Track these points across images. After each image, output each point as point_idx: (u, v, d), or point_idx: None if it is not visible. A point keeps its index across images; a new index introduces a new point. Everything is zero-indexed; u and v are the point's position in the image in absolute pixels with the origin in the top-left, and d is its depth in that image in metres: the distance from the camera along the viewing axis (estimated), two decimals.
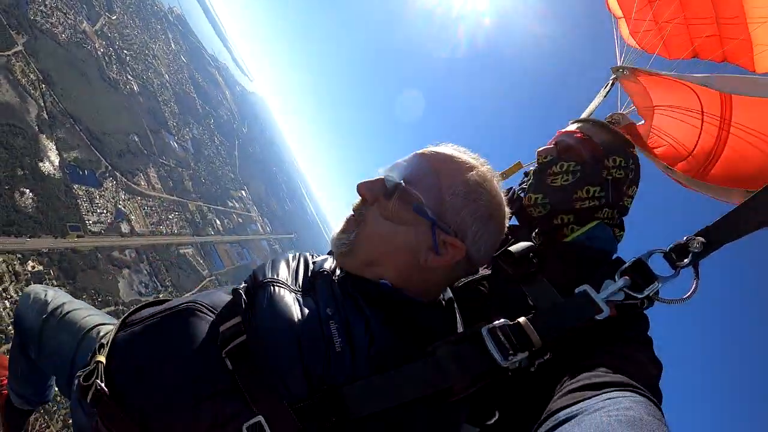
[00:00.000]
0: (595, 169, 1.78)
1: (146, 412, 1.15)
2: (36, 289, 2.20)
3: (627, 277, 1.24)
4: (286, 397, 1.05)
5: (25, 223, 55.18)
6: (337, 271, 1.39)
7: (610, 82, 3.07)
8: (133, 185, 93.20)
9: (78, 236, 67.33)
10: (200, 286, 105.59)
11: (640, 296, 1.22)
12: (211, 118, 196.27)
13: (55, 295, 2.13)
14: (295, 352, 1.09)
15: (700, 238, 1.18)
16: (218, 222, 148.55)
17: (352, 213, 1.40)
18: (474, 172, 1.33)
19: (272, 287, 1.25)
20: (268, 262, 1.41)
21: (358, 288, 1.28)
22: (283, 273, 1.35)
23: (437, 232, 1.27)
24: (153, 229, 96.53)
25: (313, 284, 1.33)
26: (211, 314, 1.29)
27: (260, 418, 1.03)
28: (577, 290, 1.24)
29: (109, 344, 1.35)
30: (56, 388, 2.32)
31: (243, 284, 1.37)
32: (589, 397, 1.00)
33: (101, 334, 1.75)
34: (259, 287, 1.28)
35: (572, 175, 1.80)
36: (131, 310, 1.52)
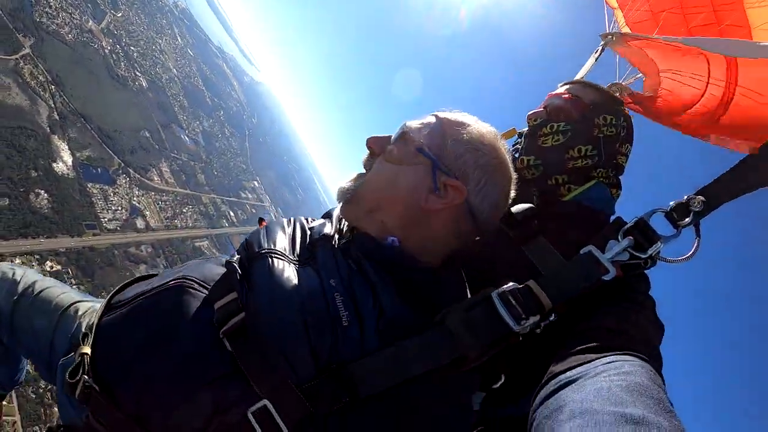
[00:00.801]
0: (585, 128, 1.77)
1: (141, 405, 1.07)
2: (2, 268, 1.94)
3: (631, 237, 1.22)
4: (292, 378, 0.99)
5: (41, 224, 56.17)
6: (336, 237, 1.31)
7: (600, 48, 2.99)
8: (146, 181, 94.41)
9: (94, 234, 68.51)
10: None
11: (643, 256, 1.21)
12: (220, 110, 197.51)
13: (24, 273, 1.90)
14: (300, 330, 1.01)
15: (701, 197, 1.18)
16: (232, 213, 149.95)
17: (364, 169, 1.38)
18: (476, 127, 1.32)
19: (270, 258, 1.15)
20: (263, 230, 1.30)
21: (363, 249, 1.21)
22: (281, 242, 1.24)
23: (438, 174, 1.24)
24: (168, 223, 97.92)
25: (312, 252, 1.23)
26: (203, 290, 1.19)
27: (265, 401, 0.97)
28: (582, 251, 1.23)
29: (93, 331, 1.24)
30: (30, 369, 2.31)
31: (236, 255, 1.24)
32: (590, 361, 0.99)
33: (80, 312, 1.62)
34: (255, 259, 1.17)
35: (563, 135, 1.78)
36: (116, 288, 1.39)
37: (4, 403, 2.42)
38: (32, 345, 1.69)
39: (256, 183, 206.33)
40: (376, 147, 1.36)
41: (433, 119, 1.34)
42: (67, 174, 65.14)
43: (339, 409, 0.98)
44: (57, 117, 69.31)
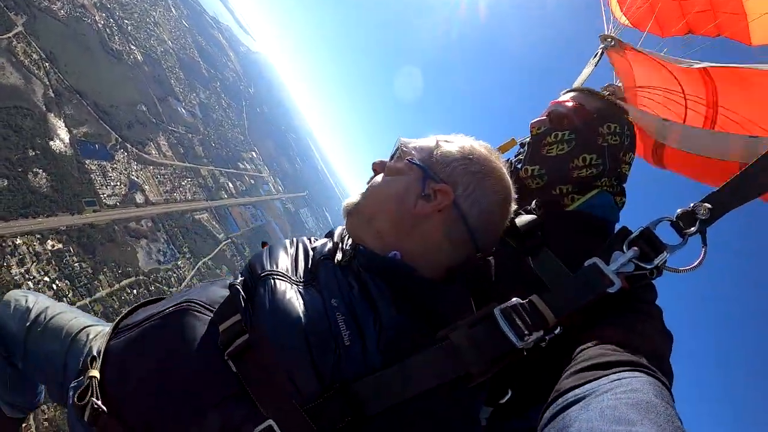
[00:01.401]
0: (590, 137, 1.76)
1: (150, 427, 1.11)
2: (15, 295, 2.08)
3: (636, 248, 1.23)
4: (296, 399, 1.01)
5: (41, 203, 56.27)
6: (339, 255, 1.35)
7: (599, 51, 3.07)
8: (144, 155, 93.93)
9: (94, 211, 68.64)
10: (217, 249, 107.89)
11: (649, 266, 1.21)
12: (217, 81, 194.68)
13: (37, 300, 2.02)
14: (303, 350, 1.03)
15: (707, 205, 1.18)
16: (231, 185, 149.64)
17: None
18: (469, 141, 1.43)
19: (272, 280, 1.19)
20: (265, 252, 1.36)
21: (364, 262, 1.25)
22: (283, 263, 1.29)
23: (427, 181, 1.32)
24: (167, 197, 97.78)
25: (315, 273, 1.28)
26: (208, 312, 1.24)
27: (271, 422, 0.99)
28: (586, 263, 1.23)
29: (102, 354, 1.30)
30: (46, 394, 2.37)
31: (240, 277, 1.31)
32: (598, 378, 0.98)
33: (90, 336, 1.72)
34: (258, 280, 1.21)
35: (567, 144, 1.78)
36: (123, 313, 1.50)
37: (24, 425, 2.62)
38: (45, 369, 1.79)
39: (254, 154, 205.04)
40: (379, 168, 1.47)
41: (427, 137, 1.45)
42: (65, 152, 64.98)
43: (344, 428, 0.98)
44: (52, 94, 68.70)
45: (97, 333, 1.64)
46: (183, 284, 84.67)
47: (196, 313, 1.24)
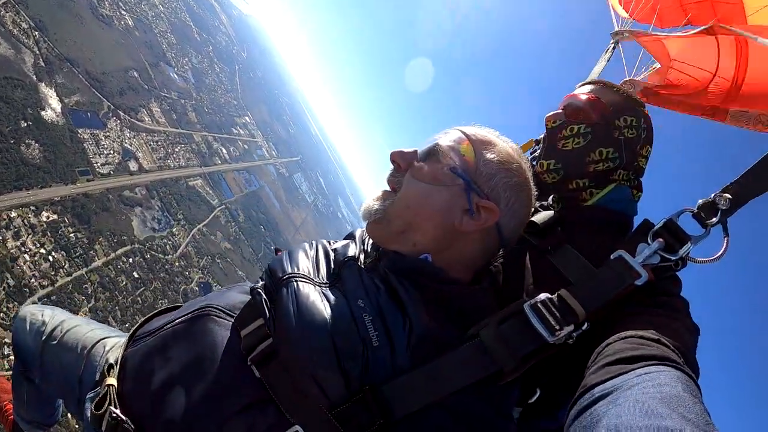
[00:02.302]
0: (606, 130, 1.71)
1: None
2: (31, 309, 2.05)
3: (661, 239, 1.22)
4: (323, 403, 0.98)
5: (34, 175, 56.12)
6: (362, 257, 1.34)
7: (611, 46, 3.10)
8: (137, 122, 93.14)
9: (88, 180, 68.49)
10: (211, 215, 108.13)
11: (674, 258, 1.20)
12: (209, 45, 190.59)
13: (53, 314, 1.99)
14: (330, 353, 1.00)
15: (727, 195, 1.17)
16: (224, 150, 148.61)
17: (389, 185, 1.38)
18: (505, 146, 1.36)
19: (295, 283, 1.16)
20: (285, 254, 1.34)
21: (392, 265, 1.22)
22: (304, 265, 1.26)
23: (471, 195, 1.25)
24: (161, 164, 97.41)
25: (338, 274, 1.25)
26: (228, 318, 1.22)
27: (298, 428, 0.97)
28: (612, 256, 1.22)
29: (119, 363, 1.28)
30: (64, 408, 2.33)
31: (260, 282, 1.30)
32: (625, 372, 0.95)
33: (107, 348, 1.66)
34: (280, 284, 1.18)
35: (583, 137, 1.72)
36: (140, 322, 1.47)
37: None
38: (62, 382, 1.74)
39: (247, 119, 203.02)
40: (403, 162, 1.35)
41: (460, 135, 1.36)
42: (57, 121, 64.43)
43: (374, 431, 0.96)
44: (43, 64, 67.57)
45: (114, 344, 1.62)
46: (178, 251, 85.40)
47: (216, 318, 1.22)
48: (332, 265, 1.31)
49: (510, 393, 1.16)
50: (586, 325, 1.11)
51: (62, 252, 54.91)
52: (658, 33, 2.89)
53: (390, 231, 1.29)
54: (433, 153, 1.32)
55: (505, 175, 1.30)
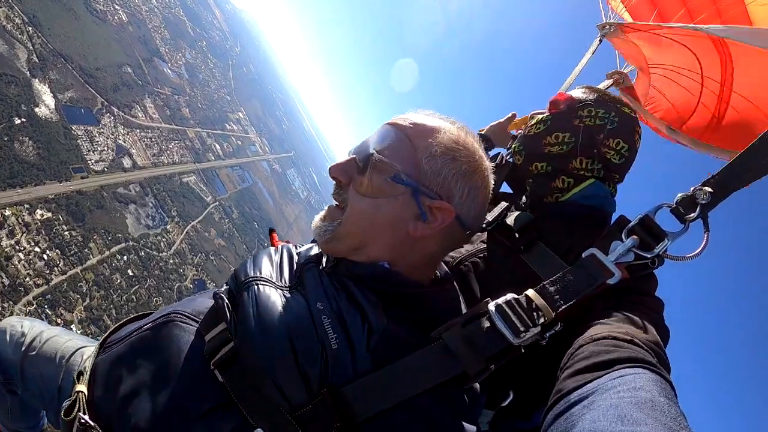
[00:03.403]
0: (566, 118, 1.75)
1: None
2: (11, 321, 2.05)
3: (635, 237, 1.19)
4: (285, 406, 0.98)
5: (28, 172, 55.79)
6: (324, 260, 1.31)
7: (597, 39, 3.01)
8: (130, 118, 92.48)
9: (82, 177, 68.07)
10: (205, 212, 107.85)
11: (649, 255, 1.18)
12: (203, 40, 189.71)
13: (32, 325, 1.99)
14: (289, 357, 1.00)
15: (707, 188, 1.14)
16: (218, 146, 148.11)
17: (334, 202, 1.32)
18: (447, 131, 1.25)
19: (256, 286, 1.16)
20: (249, 259, 1.33)
21: (350, 273, 1.20)
22: (266, 269, 1.26)
23: (421, 198, 1.18)
24: (155, 160, 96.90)
25: (300, 278, 1.24)
26: (194, 323, 1.22)
27: (260, 431, 0.98)
28: (584, 254, 1.20)
29: (88, 370, 1.29)
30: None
31: (225, 286, 1.28)
32: (600, 377, 0.93)
33: (84, 357, 1.66)
34: (241, 288, 1.18)
35: (544, 123, 1.80)
36: (111, 329, 1.47)
37: None
38: (43, 392, 1.75)
39: (241, 114, 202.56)
40: (343, 177, 1.27)
41: (395, 133, 1.25)
42: (51, 118, 63.86)
43: None
44: (37, 59, 66.88)
45: (91, 353, 1.53)
46: (173, 248, 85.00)
47: (181, 323, 1.22)
48: (295, 269, 1.29)
49: (475, 398, 1.14)
50: (558, 326, 1.10)
51: (57, 250, 54.48)
52: (647, 24, 2.78)
53: (344, 248, 1.24)
54: (371, 163, 1.21)
55: (453, 166, 1.21)
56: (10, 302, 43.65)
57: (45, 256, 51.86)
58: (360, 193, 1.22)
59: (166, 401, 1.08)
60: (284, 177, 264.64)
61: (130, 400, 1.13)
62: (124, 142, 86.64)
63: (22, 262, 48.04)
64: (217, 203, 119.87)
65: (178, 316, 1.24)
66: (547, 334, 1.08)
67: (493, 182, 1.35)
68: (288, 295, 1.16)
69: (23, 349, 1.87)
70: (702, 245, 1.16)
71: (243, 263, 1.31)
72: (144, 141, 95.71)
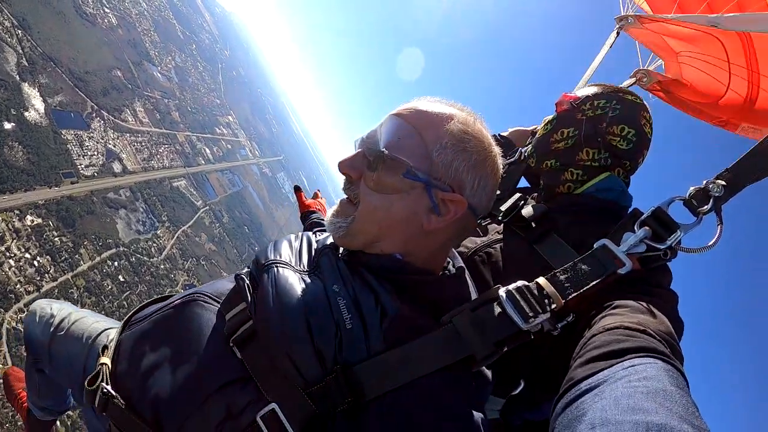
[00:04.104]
0: (570, 115, 1.80)
1: (158, 413, 1.13)
2: (41, 304, 2.14)
3: (647, 228, 1.20)
4: (299, 383, 1.02)
5: (18, 178, 55.23)
6: (341, 248, 1.35)
7: (615, 32, 3.00)
8: (120, 122, 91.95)
9: (72, 182, 67.46)
10: (196, 217, 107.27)
11: (662, 247, 1.18)
12: (193, 43, 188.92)
13: (61, 307, 2.07)
14: (305, 334, 1.03)
15: (721, 181, 1.14)
16: (208, 151, 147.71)
17: (345, 196, 1.33)
18: (456, 120, 1.23)
19: (275, 268, 1.20)
20: (270, 244, 1.37)
21: (363, 263, 1.23)
22: (286, 253, 1.30)
23: (433, 192, 1.19)
24: (145, 165, 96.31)
25: (317, 263, 1.27)
26: (215, 303, 1.27)
27: (274, 405, 1.01)
28: (596, 244, 1.21)
29: (113, 345, 1.35)
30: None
31: (245, 269, 1.34)
32: (611, 366, 0.95)
33: (110, 337, 1.63)
34: (262, 270, 1.22)
35: (551, 124, 1.86)
36: (136, 308, 1.53)
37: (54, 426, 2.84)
38: (69, 371, 1.81)
39: (230, 118, 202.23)
40: (354, 173, 1.27)
41: (404, 126, 1.24)
42: (41, 122, 63.20)
43: (345, 411, 0.99)
44: (26, 63, 66.22)
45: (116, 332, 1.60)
46: (163, 254, 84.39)
47: (203, 303, 1.26)
48: (313, 254, 1.33)
49: (482, 383, 1.15)
50: (571, 316, 1.12)
51: (47, 256, 53.87)
52: (662, 16, 2.72)
53: (358, 243, 1.27)
54: (383, 160, 1.20)
55: (464, 157, 1.21)
56: (1, 309, 43.24)
57: (35, 263, 51.24)
58: (372, 190, 1.22)
59: (186, 375, 1.12)
60: (274, 181, 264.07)
61: (152, 373, 1.18)
62: (114, 146, 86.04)
63: (13, 268, 47.57)
64: (208, 208, 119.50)
65: (201, 296, 1.29)
66: (559, 325, 1.10)
67: (502, 167, 1.34)
68: (306, 278, 1.18)
69: (51, 329, 1.93)
70: (715, 237, 1.17)
71: (264, 248, 1.34)
72: (134, 145, 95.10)
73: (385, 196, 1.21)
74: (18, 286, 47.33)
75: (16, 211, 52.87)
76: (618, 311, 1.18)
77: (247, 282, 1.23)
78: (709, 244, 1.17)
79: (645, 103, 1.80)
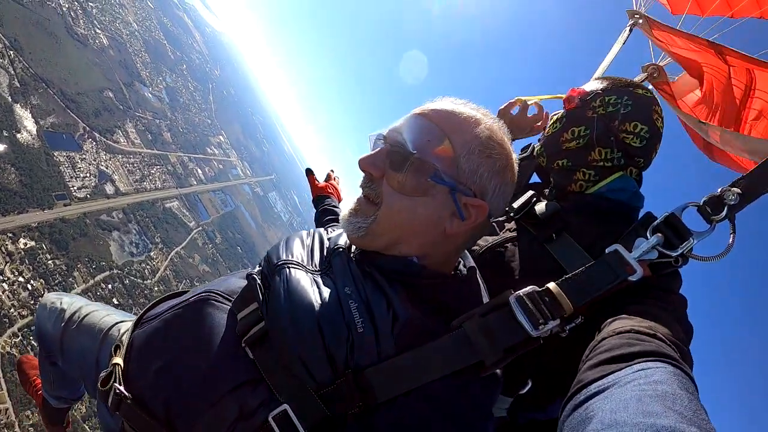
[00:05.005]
0: (580, 113, 1.75)
1: (170, 412, 1.14)
2: (51, 297, 2.13)
3: (660, 234, 1.20)
4: (310, 384, 1.02)
5: (11, 200, 55.02)
6: (353, 247, 1.33)
7: (627, 28, 2.95)
8: (112, 143, 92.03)
9: (65, 204, 67.12)
10: (189, 238, 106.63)
11: (674, 254, 1.18)
12: (183, 63, 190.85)
13: (71, 301, 2.05)
14: (317, 337, 1.04)
15: (736, 189, 1.14)
16: (200, 171, 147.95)
17: (363, 194, 1.28)
18: (482, 126, 1.22)
19: (288, 269, 1.19)
20: (282, 242, 1.36)
21: (376, 265, 1.22)
22: (298, 252, 1.29)
23: (458, 197, 1.18)
24: (137, 186, 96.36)
25: (329, 263, 1.27)
26: (227, 302, 1.26)
27: (286, 406, 1.01)
28: (607, 250, 1.20)
29: (125, 344, 1.34)
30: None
31: (257, 268, 1.33)
32: (620, 369, 0.95)
33: (121, 331, 1.68)
34: (274, 270, 1.21)
35: (560, 122, 1.81)
36: (147, 306, 1.51)
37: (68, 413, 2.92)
38: (81, 364, 1.80)
39: (221, 138, 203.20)
40: (376, 172, 1.22)
41: (432, 128, 1.21)
42: (33, 144, 63.09)
43: (356, 413, 1.00)
44: (18, 84, 66.19)
45: (128, 328, 1.55)
46: (157, 275, 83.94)
47: (215, 302, 1.25)
48: (325, 254, 1.32)
49: (491, 387, 1.14)
50: (580, 318, 1.12)
51: (41, 280, 53.39)
52: (672, 27, 2.62)
53: (377, 244, 1.24)
54: (410, 162, 1.18)
55: (489, 163, 1.20)
56: None
57: (29, 286, 50.76)
58: (396, 191, 1.20)
59: (199, 375, 1.13)
60: (266, 200, 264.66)
61: (164, 373, 1.19)
62: (107, 168, 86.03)
63: (6, 292, 47.17)
64: (201, 228, 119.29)
65: (213, 295, 1.27)
66: (568, 327, 1.10)
67: (517, 169, 1.34)
68: (318, 279, 1.18)
69: (63, 324, 1.94)
70: (727, 246, 1.17)
71: (276, 246, 1.35)
72: (126, 167, 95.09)
73: (410, 198, 1.19)
74: (12, 310, 46.89)
75: (9, 234, 52.55)
76: (628, 315, 1.20)
77: (259, 282, 1.22)
78: (721, 252, 1.17)
79: (655, 96, 1.75)
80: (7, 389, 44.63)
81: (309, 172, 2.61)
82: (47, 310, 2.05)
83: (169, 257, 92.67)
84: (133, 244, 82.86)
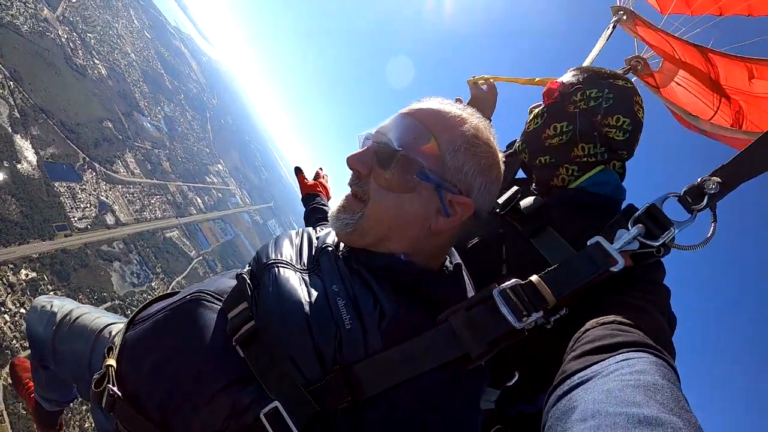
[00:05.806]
0: (560, 107, 1.74)
1: (164, 412, 1.14)
2: (41, 301, 2.13)
3: (641, 225, 1.20)
4: (300, 380, 1.04)
5: (12, 231, 54.47)
6: (341, 245, 1.34)
7: (611, 25, 2.98)
8: (112, 174, 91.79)
9: (66, 235, 66.52)
10: (189, 267, 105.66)
11: (655, 244, 1.19)
12: (181, 93, 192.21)
13: (62, 304, 2.06)
14: (305, 334, 1.06)
15: (716, 178, 1.13)
16: (199, 200, 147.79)
17: (351, 191, 1.29)
18: (468, 124, 1.23)
19: (276, 269, 1.21)
20: (271, 242, 1.37)
21: (364, 262, 1.24)
22: (287, 252, 1.30)
23: (444, 193, 1.19)
24: (137, 216, 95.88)
25: (318, 261, 1.28)
26: (218, 302, 1.25)
27: (276, 403, 1.02)
28: (589, 242, 1.20)
29: (118, 345, 1.33)
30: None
31: (247, 267, 1.33)
32: (603, 359, 0.95)
33: (113, 333, 1.70)
34: (263, 270, 1.23)
35: (541, 117, 1.79)
36: (139, 307, 1.48)
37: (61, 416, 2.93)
38: (73, 367, 1.78)
39: (220, 166, 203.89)
40: (363, 169, 1.25)
41: (418, 126, 1.22)
42: (33, 174, 62.65)
43: (346, 409, 1.01)
44: (18, 115, 65.93)
45: (119, 330, 1.57)
46: None
47: (205, 302, 1.26)
48: (313, 253, 1.34)
49: (477, 380, 1.16)
50: (564, 310, 1.14)
51: None
52: (655, 26, 2.78)
53: (365, 242, 1.27)
54: (396, 159, 1.21)
55: (474, 161, 1.23)
56: None
57: None
58: (383, 188, 1.23)
59: (191, 374, 1.14)
60: (265, 228, 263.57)
61: (156, 372, 1.20)
62: (107, 198, 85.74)
63: (8, 324, 46.27)
64: (201, 257, 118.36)
65: (204, 294, 1.28)
66: (552, 318, 1.13)
67: (503, 167, 1.37)
68: (306, 277, 1.21)
69: (54, 327, 1.96)
70: (708, 234, 1.17)
71: (265, 245, 1.37)
72: (126, 197, 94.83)
73: (397, 195, 1.22)
74: (14, 341, 45.97)
75: (11, 265, 51.83)
76: (612, 306, 1.22)
77: (249, 281, 1.24)
78: (702, 241, 1.17)
79: (635, 86, 1.76)
80: (9, 421, 43.69)
81: (298, 171, 2.66)
82: (38, 312, 2.06)
83: (170, 287, 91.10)
84: (135, 275, 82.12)
